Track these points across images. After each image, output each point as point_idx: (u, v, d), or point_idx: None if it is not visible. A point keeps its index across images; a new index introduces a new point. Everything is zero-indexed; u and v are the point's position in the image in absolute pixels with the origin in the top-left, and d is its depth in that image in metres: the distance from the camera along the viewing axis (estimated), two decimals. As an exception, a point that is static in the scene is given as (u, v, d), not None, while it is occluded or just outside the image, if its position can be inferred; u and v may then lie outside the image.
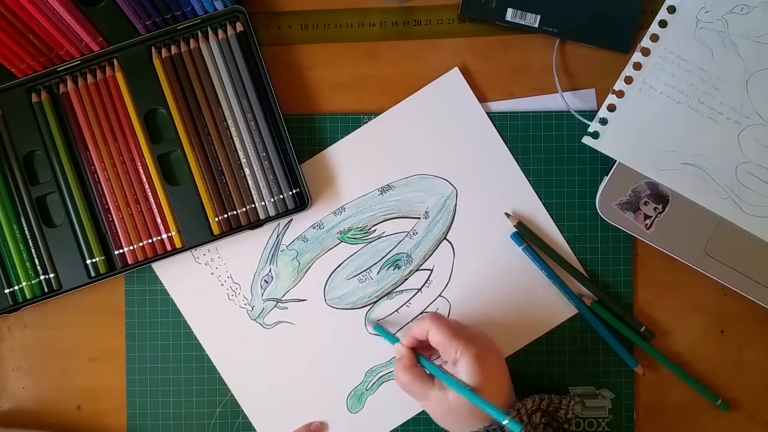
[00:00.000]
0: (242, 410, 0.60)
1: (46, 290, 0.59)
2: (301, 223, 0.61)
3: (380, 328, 0.59)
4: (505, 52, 0.61)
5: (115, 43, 0.58)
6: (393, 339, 0.57)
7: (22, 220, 0.59)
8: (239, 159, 0.59)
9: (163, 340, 0.61)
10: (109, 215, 0.59)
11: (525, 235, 0.59)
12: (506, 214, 0.60)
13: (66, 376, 0.61)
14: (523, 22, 0.59)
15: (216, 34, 0.59)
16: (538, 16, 0.59)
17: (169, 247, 0.59)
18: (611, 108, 0.58)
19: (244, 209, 0.59)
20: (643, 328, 0.59)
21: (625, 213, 0.58)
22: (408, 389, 0.53)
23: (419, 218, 0.61)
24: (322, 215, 0.61)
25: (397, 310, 0.60)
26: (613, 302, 0.59)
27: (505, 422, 0.48)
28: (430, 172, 0.61)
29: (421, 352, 0.54)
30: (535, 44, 0.61)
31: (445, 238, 0.60)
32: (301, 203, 0.59)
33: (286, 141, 0.58)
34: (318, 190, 0.61)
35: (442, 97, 0.60)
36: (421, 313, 0.60)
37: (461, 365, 0.50)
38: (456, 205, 0.60)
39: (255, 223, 0.58)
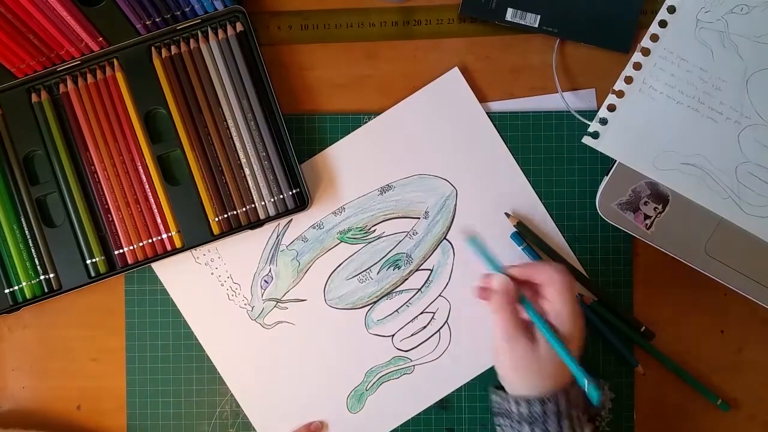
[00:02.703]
0: (242, 410, 0.60)
1: (46, 290, 0.59)
2: (301, 223, 0.61)
3: (477, 243, 0.52)
4: (505, 52, 0.61)
5: (115, 43, 0.58)
6: (496, 266, 0.51)
7: (22, 220, 0.59)
8: (239, 159, 0.59)
9: (163, 340, 0.61)
10: (109, 215, 0.59)
11: (525, 234, 0.59)
12: (506, 213, 0.60)
13: (66, 376, 0.61)
14: (523, 22, 0.59)
15: (216, 34, 0.59)
16: (538, 16, 0.59)
17: (169, 247, 0.59)
18: (611, 108, 0.58)
19: (244, 209, 0.59)
20: (643, 327, 0.59)
21: (625, 213, 0.58)
22: (501, 325, 0.49)
23: (419, 218, 0.61)
24: (322, 215, 0.61)
25: (397, 310, 0.60)
26: (613, 302, 0.59)
27: (586, 384, 0.48)
28: (430, 172, 0.61)
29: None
30: (535, 44, 0.61)
31: (445, 238, 0.60)
32: (301, 203, 0.59)
33: (286, 141, 0.58)
34: (318, 190, 0.61)
35: (442, 97, 0.60)
36: (422, 313, 0.60)
37: (563, 326, 0.49)
38: (456, 205, 0.60)
39: (255, 223, 0.58)
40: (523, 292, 0.51)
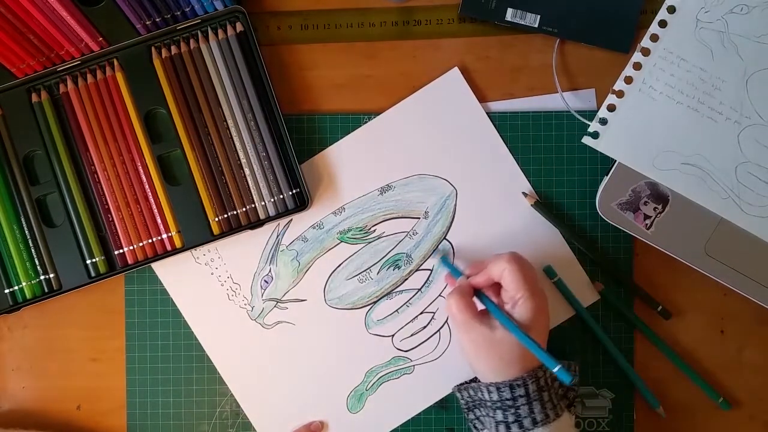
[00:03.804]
0: (242, 410, 0.60)
1: (46, 290, 0.59)
2: (301, 223, 0.61)
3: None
4: (505, 52, 0.61)
5: (115, 43, 0.58)
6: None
7: (22, 220, 0.59)
8: (239, 159, 0.59)
9: (163, 340, 0.61)
10: (109, 215, 0.59)
11: (543, 211, 0.59)
12: (523, 193, 0.60)
13: (66, 376, 0.61)
14: (523, 22, 0.59)
15: (216, 35, 0.59)
16: (538, 16, 0.59)
17: (169, 247, 0.59)
18: (611, 108, 0.58)
19: (244, 209, 0.59)
20: (660, 307, 0.59)
21: (625, 213, 0.58)
22: (457, 317, 0.52)
23: (419, 218, 0.61)
24: (322, 215, 0.61)
25: (397, 310, 0.60)
26: (626, 284, 0.59)
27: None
28: (430, 172, 0.61)
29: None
30: (535, 44, 0.61)
31: (444, 238, 0.60)
32: (301, 203, 0.59)
33: (286, 141, 0.58)
34: (318, 190, 0.61)
35: (442, 97, 0.60)
36: (422, 313, 0.60)
37: (520, 310, 0.51)
38: (456, 205, 0.60)
39: (255, 223, 0.58)
40: (481, 290, 0.54)
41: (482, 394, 0.52)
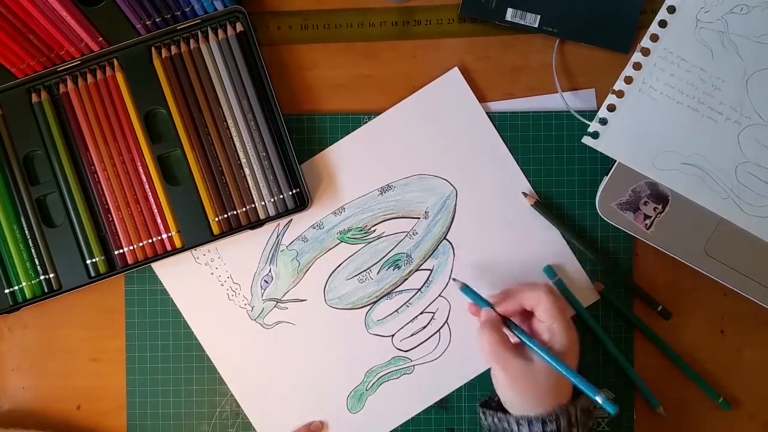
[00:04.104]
0: (242, 410, 0.60)
1: (46, 290, 0.59)
2: (300, 223, 0.61)
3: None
4: (505, 52, 0.61)
5: (115, 43, 0.58)
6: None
7: (22, 220, 0.59)
8: (239, 159, 0.59)
9: (163, 340, 0.61)
10: (109, 215, 0.59)
11: (543, 211, 0.59)
12: (523, 193, 0.60)
13: (66, 376, 0.61)
14: (523, 22, 0.59)
15: (216, 35, 0.59)
16: (538, 16, 0.59)
17: (169, 247, 0.59)
18: (611, 108, 0.58)
19: (244, 209, 0.59)
20: (660, 307, 0.59)
21: (625, 213, 0.58)
22: (494, 354, 0.51)
23: (419, 218, 0.61)
24: (322, 215, 0.61)
25: (396, 310, 0.60)
26: (626, 284, 0.59)
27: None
28: (430, 172, 0.61)
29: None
30: (535, 44, 0.61)
31: (445, 238, 0.60)
32: (301, 203, 0.59)
33: (286, 141, 0.58)
34: (318, 190, 0.61)
35: (442, 97, 0.60)
36: (422, 313, 0.60)
37: (557, 341, 0.50)
38: (456, 205, 0.60)
39: (255, 223, 0.58)
40: (511, 319, 0.53)
41: (510, 426, 0.50)
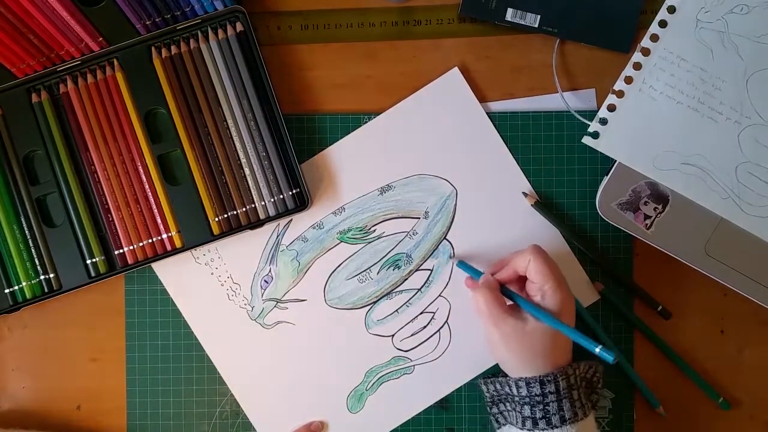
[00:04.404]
0: (242, 410, 0.60)
1: (46, 290, 0.59)
2: (300, 223, 0.61)
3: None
4: (505, 52, 0.61)
5: (115, 43, 0.58)
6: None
7: (22, 220, 0.59)
8: (239, 159, 0.59)
9: (163, 340, 0.61)
10: (109, 215, 0.59)
11: (543, 211, 0.59)
12: (523, 193, 0.60)
13: (66, 376, 0.61)
14: (523, 22, 0.59)
15: (216, 34, 0.59)
16: (538, 16, 0.59)
17: (169, 247, 0.59)
18: (611, 108, 0.58)
19: (244, 209, 0.59)
20: (660, 307, 0.59)
21: (625, 213, 0.58)
22: (486, 312, 0.52)
23: (419, 218, 0.61)
24: (321, 215, 0.61)
25: (396, 310, 0.60)
26: (626, 284, 0.59)
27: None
28: (430, 172, 0.61)
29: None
30: (535, 44, 0.61)
31: (444, 238, 0.60)
32: (301, 203, 0.59)
33: (286, 141, 0.58)
34: (318, 190, 0.61)
35: (442, 97, 0.60)
36: (422, 313, 0.60)
37: (549, 300, 0.51)
38: (456, 205, 0.60)
39: (255, 223, 0.58)
40: (506, 285, 0.54)
41: (510, 389, 0.51)
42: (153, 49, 0.59)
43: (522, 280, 0.54)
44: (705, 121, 0.57)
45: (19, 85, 0.59)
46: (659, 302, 0.59)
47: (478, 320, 0.53)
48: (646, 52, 0.57)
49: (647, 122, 0.57)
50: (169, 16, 0.58)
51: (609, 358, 0.48)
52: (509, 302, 0.54)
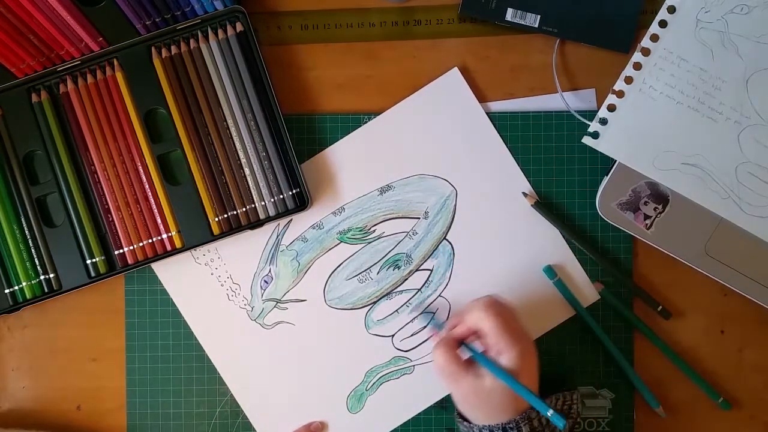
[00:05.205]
0: (242, 410, 0.60)
1: (46, 290, 0.59)
2: (300, 223, 0.61)
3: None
4: (505, 52, 0.61)
5: (115, 43, 0.58)
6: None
7: (22, 220, 0.59)
8: (239, 159, 0.59)
9: (163, 340, 0.61)
10: (109, 215, 0.59)
11: (543, 211, 0.59)
12: (523, 193, 0.60)
13: (66, 376, 0.61)
14: (523, 22, 0.59)
15: (216, 34, 0.59)
16: (538, 16, 0.59)
17: (169, 247, 0.59)
18: (611, 108, 0.58)
19: (244, 209, 0.59)
20: (660, 307, 0.59)
21: (625, 213, 0.58)
22: (444, 370, 0.51)
23: (419, 218, 0.61)
24: (321, 215, 0.61)
25: (396, 310, 0.60)
26: (626, 284, 0.59)
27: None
28: (430, 172, 0.61)
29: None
30: (535, 44, 0.61)
31: (444, 238, 0.60)
32: (301, 203, 0.59)
33: (286, 141, 0.58)
34: (318, 190, 0.61)
35: (441, 97, 0.60)
36: (422, 312, 0.60)
37: (504, 358, 0.50)
38: (456, 205, 0.60)
39: (255, 223, 0.58)
40: (465, 341, 0.53)
41: None
42: (153, 49, 0.59)
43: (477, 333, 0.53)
44: (705, 121, 0.57)
45: (19, 85, 0.59)
46: (659, 302, 0.59)
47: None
48: (646, 52, 0.57)
49: (647, 122, 0.57)
50: (169, 16, 0.58)
51: (560, 424, 0.48)
52: (465, 355, 0.52)
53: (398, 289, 0.60)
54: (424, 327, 0.60)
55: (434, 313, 0.59)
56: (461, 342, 0.53)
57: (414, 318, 0.60)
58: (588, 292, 0.60)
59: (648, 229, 0.57)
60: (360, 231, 0.61)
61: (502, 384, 0.49)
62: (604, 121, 0.58)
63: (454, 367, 0.51)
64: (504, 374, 0.49)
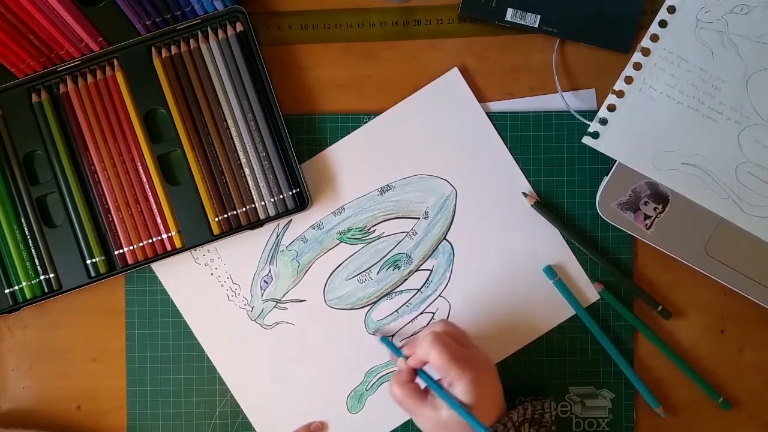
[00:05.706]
0: (242, 410, 0.60)
1: (46, 290, 0.59)
2: (300, 223, 0.61)
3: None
4: (505, 52, 0.61)
5: (115, 43, 0.58)
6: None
7: (22, 220, 0.59)
8: (239, 159, 0.59)
9: (163, 340, 0.61)
10: (109, 215, 0.59)
11: (543, 211, 0.59)
12: (523, 193, 0.60)
13: (66, 376, 0.61)
14: (523, 22, 0.59)
15: (216, 34, 0.59)
16: (538, 16, 0.59)
17: (169, 247, 0.59)
18: (611, 108, 0.58)
19: (244, 209, 0.59)
20: (660, 307, 0.59)
21: (625, 213, 0.58)
22: (401, 404, 0.52)
23: (419, 218, 0.61)
24: (321, 215, 0.61)
25: (396, 310, 0.60)
26: (626, 284, 0.59)
27: None
28: (430, 172, 0.61)
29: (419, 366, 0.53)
30: (535, 44, 0.61)
31: (444, 238, 0.60)
32: (301, 203, 0.59)
33: (286, 141, 0.58)
34: (318, 190, 0.61)
35: (441, 97, 0.60)
36: (422, 313, 0.60)
37: (457, 387, 0.49)
38: (455, 205, 0.60)
39: (255, 223, 0.58)
40: (422, 369, 0.52)
41: None
42: (153, 49, 0.59)
43: None
44: (705, 121, 0.57)
45: (19, 85, 0.59)
46: (659, 302, 0.59)
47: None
48: (646, 52, 0.57)
49: (647, 122, 0.57)
50: (169, 16, 0.58)
51: None
52: (423, 384, 0.52)
53: (398, 289, 0.60)
54: (424, 327, 0.60)
55: (391, 337, 0.59)
56: (417, 370, 0.53)
57: (410, 320, 0.60)
58: (588, 292, 0.60)
59: (648, 229, 0.57)
60: (360, 231, 0.61)
61: (456, 416, 0.49)
62: (604, 121, 0.58)
63: (412, 401, 0.51)
64: (454, 404, 0.49)
